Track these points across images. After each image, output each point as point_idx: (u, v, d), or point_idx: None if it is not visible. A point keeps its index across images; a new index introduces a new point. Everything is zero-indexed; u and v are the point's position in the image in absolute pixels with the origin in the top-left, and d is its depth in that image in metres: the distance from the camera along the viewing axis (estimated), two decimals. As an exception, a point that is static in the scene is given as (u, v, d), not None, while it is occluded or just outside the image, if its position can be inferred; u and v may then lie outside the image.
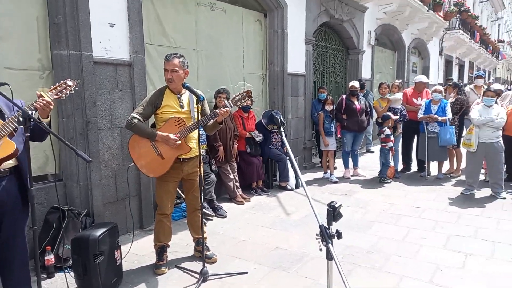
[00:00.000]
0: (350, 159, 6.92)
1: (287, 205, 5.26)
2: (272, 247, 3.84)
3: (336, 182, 6.47)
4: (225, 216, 4.81)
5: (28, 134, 2.22)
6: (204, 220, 4.42)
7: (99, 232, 2.89)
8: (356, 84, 6.75)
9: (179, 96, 3.29)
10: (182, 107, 3.28)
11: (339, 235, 1.76)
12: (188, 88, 3.12)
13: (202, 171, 3.36)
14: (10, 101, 2.28)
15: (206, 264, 3.23)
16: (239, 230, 4.36)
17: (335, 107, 6.70)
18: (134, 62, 4.23)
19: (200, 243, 3.48)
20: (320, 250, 1.78)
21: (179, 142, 3.15)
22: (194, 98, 3.10)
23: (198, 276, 3.17)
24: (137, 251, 3.71)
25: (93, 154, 3.84)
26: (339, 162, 7.30)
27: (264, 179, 6.06)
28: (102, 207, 3.93)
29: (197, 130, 3.20)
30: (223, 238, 4.11)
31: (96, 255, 2.82)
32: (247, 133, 5.68)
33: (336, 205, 1.79)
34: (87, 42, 3.77)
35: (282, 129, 2.62)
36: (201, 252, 3.39)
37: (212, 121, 3.29)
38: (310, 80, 7.59)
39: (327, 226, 1.78)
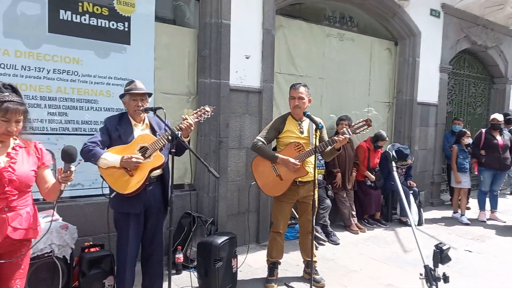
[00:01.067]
0: (488, 200, 6.16)
1: (406, 242, 4.97)
2: (384, 283, 3.70)
3: (467, 224, 5.83)
4: (338, 243, 4.79)
5: (174, 150, 2.68)
6: (316, 244, 4.53)
7: (220, 239, 3.25)
8: (499, 117, 6.05)
9: (299, 122, 3.51)
10: (302, 133, 3.49)
11: (445, 279, 1.70)
12: (308, 117, 3.31)
13: (316, 196, 3.50)
14: (163, 122, 2.79)
15: (313, 287, 3.32)
16: (350, 259, 4.31)
17: (472, 141, 6.10)
18: (264, 90, 4.64)
19: (309, 266, 3.58)
20: (424, 291, 1.74)
21: (299, 166, 3.34)
22: (314, 126, 3.27)
23: (304, 297, 3.27)
24: (251, 263, 3.99)
25: (222, 170, 4.32)
26: (473, 202, 6.55)
27: (383, 212, 5.83)
28: (225, 218, 4.36)
29: (315, 157, 3.34)
30: (334, 265, 4.12)
31: (216, 260, 3.17)
32: (366, 174, 5.57)
33: (444, 247, 1.74)
34: (226, 72, 4.31)
35: (393, 164, 2.59)
36: (309, 274, 3.49)
37: (329, 147, 3.41)
38: (443, 110, 7.08)
39: (432, 268, 1.72)
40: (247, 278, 3.70)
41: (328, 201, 4.99)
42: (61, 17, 3.48)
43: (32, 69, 3.40)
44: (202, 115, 3.02)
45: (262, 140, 3.47)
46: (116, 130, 2.90)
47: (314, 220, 3.30)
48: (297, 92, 3.46)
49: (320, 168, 5.01)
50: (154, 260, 3.18)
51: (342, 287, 3.60)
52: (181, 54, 4.26)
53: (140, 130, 2.98)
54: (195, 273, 3.44)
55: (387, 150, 5.67)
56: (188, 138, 3.00)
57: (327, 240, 4.83)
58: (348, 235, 5.17)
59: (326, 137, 3.55)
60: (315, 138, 3.25)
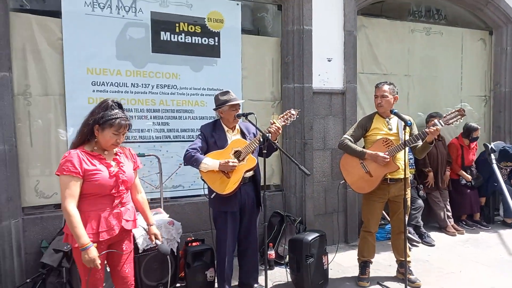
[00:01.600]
0: None
1: (512, 245, 4.59)
2: (487, 286, 3.48)
3: None
4: (433, 245, 4.59)
5: (266, 151, 2.87)
6: (409, 245, 4.40)
7: (311, 236, 3.36)
8: None
9: (387, 120, 3.49)
10: (390, 129, 3.46)
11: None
12: (396, 114, 3.26)
13: (409, 194, 3.44)
14: (255, 126, 2.99)
15: (408, 287, 3.26)
16: (447, 261, 4.10)
17: None
18: (347, 91, 4.67)
19: (403, 265, 3.52)
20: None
21: (388, 159, 3.32)
22: (402, 123, 3.22)
23: (398, 296, 3.23)
24: (341, 262, 4.04)
25: (308, 171, 4.43)
26: None
27: (484, 213, 5.42)
28: (313, 218, 4.46)
29: (405, 153, 3.28)
30: (429, 267, 3.97)
31: (307, 256, 3.29)
32: (461, 173, 5.25)
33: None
34: (309, 76, 4.44)
35: (492, 157, 2.46)
36: (403, 274, 3.43)
37: (421, 142, 3.34)
38: (552, 101, 6.33)
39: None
40: (338, 276, 3.75)
41: (420, 201, 4.81)
42: (161, 38, 3.93)
43: (140, 86, 3.89)
44: (289, 118, 3.20)
45: (349, 138, 3.51)
46: (212, 137, 3.19)
47: (406, 220, 3.24)
48: (380, 90, 3.46)
49: (410, 167, 4.85)
50: (250, 254, 3.42)
51: (438, 288, 3.48)
52: (265, 62, 4.50)
53: (232, 136, 3.25)
54: (288, 269, 3.59)
55: (486, 144, 5.25)
56: (276, 141, 3.18)
57: (420, 241, 4.66)
58: (444, 236, 4.91)
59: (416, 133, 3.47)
60: (405, 134, 3.21)
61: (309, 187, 4.46)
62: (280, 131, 3.14)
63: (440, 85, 5.63)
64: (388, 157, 3.30)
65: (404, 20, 5.36)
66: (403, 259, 3.44)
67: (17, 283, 3.20)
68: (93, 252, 2.08)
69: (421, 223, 4.77)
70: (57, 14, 3.55)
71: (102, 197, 2.20)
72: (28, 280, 3.17)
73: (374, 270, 3.81)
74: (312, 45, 4.41)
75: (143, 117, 3.90)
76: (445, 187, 5.13)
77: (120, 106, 2.29)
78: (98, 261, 2.10)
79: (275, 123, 3.10)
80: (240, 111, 3.21)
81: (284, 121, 3.19)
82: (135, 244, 3.08)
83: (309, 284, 3.28)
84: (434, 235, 4.83)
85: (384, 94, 3.43)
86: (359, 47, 4.83)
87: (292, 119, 3.22)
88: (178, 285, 3.42)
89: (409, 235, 4.60)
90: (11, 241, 3.20)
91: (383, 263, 4.04)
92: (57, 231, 2.97)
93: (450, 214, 5.11)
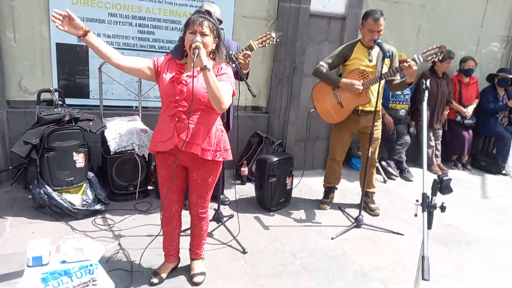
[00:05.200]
0: None
1: (493, 189, 4.57)
2: (446, 222, 3.56)
3: None
4: (410, 180, 4.65)
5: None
6: (385, 177, 4.51)
7: (276, 158, 3.46)
8: None
9: (370, 50, 3.32)
10: (370, 61, 3.31)
11: (442, 208, 1.74)
12: (378, 45, 3.11)
13: (380, 128, 3.46)
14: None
15: (366, 214, 3.40)
16: (417, 196, 4.13)
17: None
18: (348, 16, 4.41)
19: (367, 195, 3.62)
20: (415, 215, 1.83)
21: (361, 88, 3.24)
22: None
23: (352, 220, 3.37)
24: (312, 186, 4.18)
25: (294, 96, 4.41)
26: None
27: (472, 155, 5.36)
28: (293, 142, 4.53)
29: (379, 85, 3.17)
30: (396, 199, 4.07)
31: (270, 175, 3.42)
32: (455, 105, 5.08)
33: (445, 178, 1.75)
34: (308, -5, 4.19)
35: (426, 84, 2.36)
36: (365, 202, 3.56)
37: (398, 78, 3.24)
38: None
39: (429, 196, 1.77)
40: (303, 197, 3.91)
41: (407, 138, 4.75)
42: None
43: (125, -10, 3.81)
44: (267, 40, 3.06)
45: (325, 65, 3.40)
46: None
47: (370, 153, 3.25)
48: (378, 25, 3.16)
49: (404, 103, 4.74)
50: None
51: (396, 218, 3.58)
52: (263, -24, 4.25)
53: None
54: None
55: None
56: (247, 69, 3.01)
57: (399, 176, 4.70)
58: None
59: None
60: (382, 67, 3.10)
61: (294, 112, 4.46)
62: (249, 59, 3.00)
63: (457, 21, 5.20)
64: (362, 87, 3.22)
65: None
66: (367, 189, 3.56)
67: (2, 168, 3.51)
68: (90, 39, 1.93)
69: (404, 158, 4.76)
70: None
71: (168, 106, 2.11)
72: (10, 167, 3.48)
73: (342, 197, 3.94)
74: (314, -41, 4.10)
75: (127, 24, 3.88)
76: (439, 126, 5.01)
77: (209, 13, 2.14)
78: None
79: (243, 52, 2.97)
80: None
81: (261, 43, 3.06)
82: (107, 147, 3.29)
83: (269, 200, 3.46)
84: (416, 172, 4.83)
85: (381, 29, 3.20)
86: (369, -32, 4.45)
87: (271, 42, 3.08)
88: (150, 187, 3.66)
89: (389, 168, 4.65)
90: (-5, 129, 3.43)
91: (353, 191, 4.15)
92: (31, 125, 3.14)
93: (438, 153, 5.06)
